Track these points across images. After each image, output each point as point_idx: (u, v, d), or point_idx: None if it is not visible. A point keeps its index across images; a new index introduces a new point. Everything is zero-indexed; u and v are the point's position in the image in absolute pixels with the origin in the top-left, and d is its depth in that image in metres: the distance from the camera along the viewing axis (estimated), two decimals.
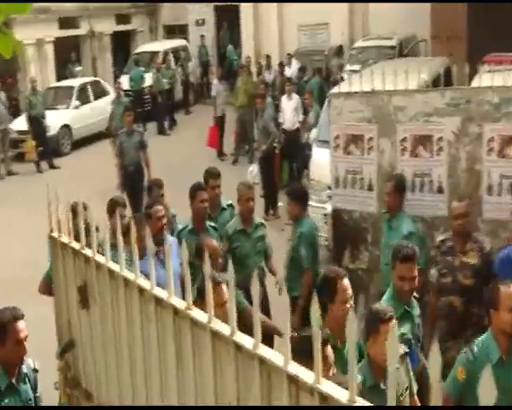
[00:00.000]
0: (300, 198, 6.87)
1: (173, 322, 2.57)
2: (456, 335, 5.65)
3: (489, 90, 6.44)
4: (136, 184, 11.29)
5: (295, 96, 14.29)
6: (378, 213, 6.71)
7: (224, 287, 4.16)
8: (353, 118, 6.82)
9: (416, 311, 5.03)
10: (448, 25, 18.06)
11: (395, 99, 6.71)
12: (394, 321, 4.12)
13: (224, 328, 2.34)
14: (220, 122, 16.60)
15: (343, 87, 7.38)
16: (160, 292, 2.61)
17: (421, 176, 6.58)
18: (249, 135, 15.97)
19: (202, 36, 26.54)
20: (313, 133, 11.98)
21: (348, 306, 4.50)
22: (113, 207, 6.25)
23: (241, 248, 6.64)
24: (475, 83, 7.02)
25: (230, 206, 7.24)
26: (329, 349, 3.84)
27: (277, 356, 2.24)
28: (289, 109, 14.05)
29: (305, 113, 14.03)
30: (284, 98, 14.31)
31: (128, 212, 6.09)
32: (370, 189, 6.79)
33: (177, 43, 24.76)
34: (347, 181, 6.90)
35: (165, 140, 19.10)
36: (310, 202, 9.66)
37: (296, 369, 2.18)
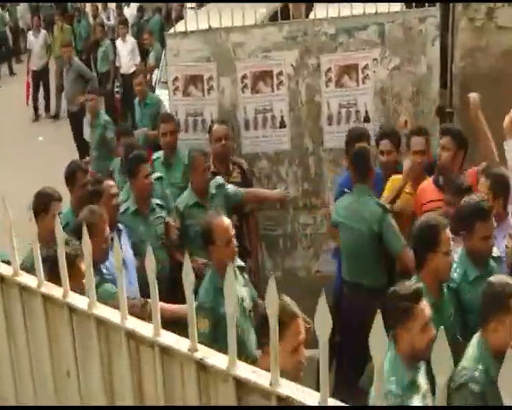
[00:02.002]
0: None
1: (0, 290, 2.46)
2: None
3: (325, 22, 6.58)
4: None
5: (130, 39, 13.94)
6: None
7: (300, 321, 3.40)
8: (191, 58, 6.74)
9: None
10: None
11: (233, 36, 6.70)
12: None
13: (55, 291, 2.27)
14: (36, 77, 15.67)
15: (179, 27, 7.27)
16: None
17: (263, 112, 6.69)
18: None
19: None
20: (155, 74, 11.83)
21: (450, 258, 4.23)
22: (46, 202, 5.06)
23: (195, 225, 5.67)
24: (312, 15, 7.14)
25: (160, 179, 6.44)
26: (424, 304, 3.55)
27: (114, 314, 2.21)
28: (125, 53, 13.68)
29: (147, 54, 13.79)
30: (119, 41, 13.89)
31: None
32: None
33: None
34: (188, 124, 6.84)
35: None
36: None
37: (134, 324, 2.16)
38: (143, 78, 9.83)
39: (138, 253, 5.21)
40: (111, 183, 5.43)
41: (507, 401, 1.51)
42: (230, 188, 6.08)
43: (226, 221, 4.68)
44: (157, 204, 5.95)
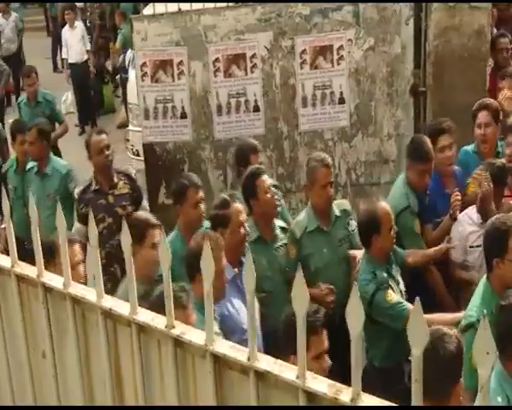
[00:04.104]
0: None
1: None
2: None
3: (299, 3, 6.64)
4: None
5: (79, 25, 13.68)
6: (193, 140, 6.77)
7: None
8: (160, 42, 6.70)
9: None
10: None
11: (204, 18, 6.70)
12: None
13: (30, 270, 2.30)
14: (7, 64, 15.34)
15: (146, 10, 7.26)
16: None
17: (236, 96, 6.71)
18: None
19: None
20: (128, 55, 11.79)
21: None
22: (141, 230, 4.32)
23: (317, 256, 5.05)
24: None
25: (275, 187, 5.60)
26: None
27: (90, 293, 2.25)
28: (75, 40, 13.37)
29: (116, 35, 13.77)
30: (66, 30, 13.49)
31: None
32: (183, 116, 6.77)
33: None
34: (158, 111, 6.78)
35: None
36: (130, 127, 9.65)
37: (110, 303, 2.21)
38: (36, 77, 9.04)
39: (259, 291, 4.58)
40: (240, 207, 4.59)
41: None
42: (354, 227, 5.15)
43: (388, 206, 4.52)
44: (280, 227, 5.17)
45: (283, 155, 6.75)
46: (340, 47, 6.53)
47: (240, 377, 2.03)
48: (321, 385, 1.86)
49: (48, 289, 2.29)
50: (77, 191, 6.07)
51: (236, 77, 6.71)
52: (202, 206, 4.97)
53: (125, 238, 2.17)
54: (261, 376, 1.97)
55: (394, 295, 4.43)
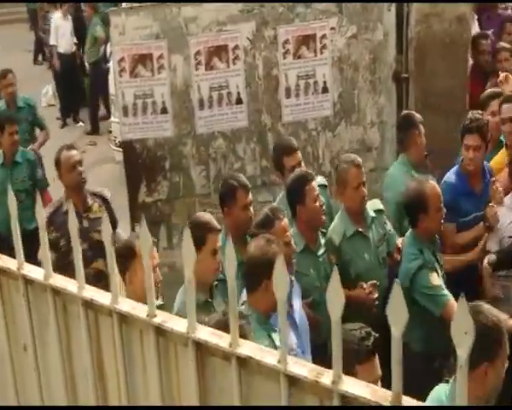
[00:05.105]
0: None
1: None
2: None
3: None
4: None
5: (69, 16, 13.79)
6: (175, 136, 6.77)
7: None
8: (139, 36, 6.66)
9: None
10: None
11: (185, 10, 6.70)
12: None
13: (10, 262, 2.34)
14: None
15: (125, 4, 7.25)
16: None
17: (218, 89, 6.73)
18: None
19: None
20: (108, 47, 11.80)
21: None
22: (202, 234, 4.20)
23: (358, 261, 5.02)
24: None
25: (322, 187, 5.46)
26: None
27: (71, 284, 2.28)
28: (67, 30, 13.48)
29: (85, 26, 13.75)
30: (58, 17, 13.62)
31: None
32: (164, 111, 6.76)
33: None
34: (137, 107, 6.72)
35: None
36: (112, 118, 9.60)
37: (91, 293, 2.24)
38: (14, 78, 8.49)
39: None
40: (285, 224, 4.39)
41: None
42: (390, 227, 5.30)
43: (437, 186, 4.58)
44: (321, 232, 5.06)
45: (267, 147, 6.78)
46: (323, 36, 6.60)
47: (222, 363, 2.06)
48: (302, 369, 1.89)
49: (29, 282, 2.33)
50: (47, 212, 5.66)
51: (218, 69, 6.72)
52: (252, 208, 4.84)
53: (106, 229, 2.21)
54: (243, 362, 2.00)
55: (438, 279, 4.48)
